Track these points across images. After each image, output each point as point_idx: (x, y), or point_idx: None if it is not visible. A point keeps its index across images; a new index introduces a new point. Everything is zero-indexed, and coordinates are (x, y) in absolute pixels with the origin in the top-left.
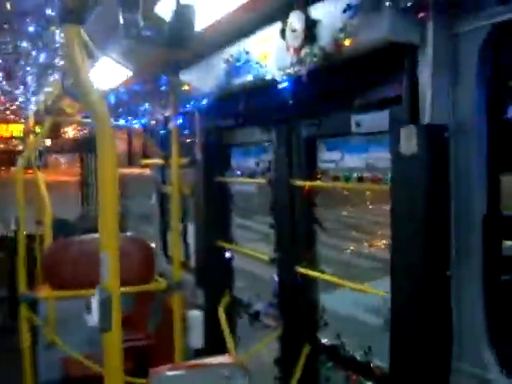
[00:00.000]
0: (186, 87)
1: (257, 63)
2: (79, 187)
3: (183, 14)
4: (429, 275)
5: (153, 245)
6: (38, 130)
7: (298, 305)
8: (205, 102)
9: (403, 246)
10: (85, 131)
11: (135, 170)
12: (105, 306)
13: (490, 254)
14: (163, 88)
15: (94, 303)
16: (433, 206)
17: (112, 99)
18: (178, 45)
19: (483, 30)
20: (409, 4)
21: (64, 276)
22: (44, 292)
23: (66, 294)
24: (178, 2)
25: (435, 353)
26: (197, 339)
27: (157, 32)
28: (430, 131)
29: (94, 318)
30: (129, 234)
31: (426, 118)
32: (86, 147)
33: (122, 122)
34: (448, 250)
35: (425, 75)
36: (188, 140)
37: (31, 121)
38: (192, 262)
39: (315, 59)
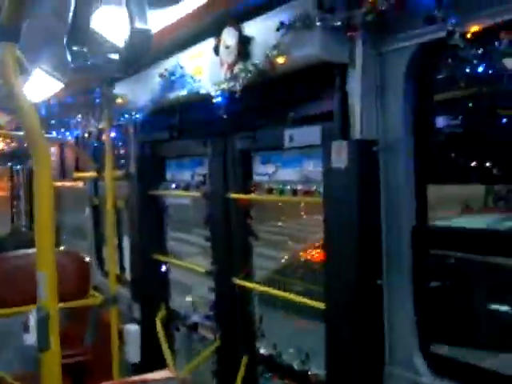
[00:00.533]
0: (119, 100)
1: (191, 77)
2: (9, 201)
3: (139, 39)
4: (361, 284)
5: (87, 258)
6: None
7: (235, 316)
8: (139, 115)
9: (336, 257)
10: (14, 144)
11: (68, 183)
12: (43, 324)
13: (419, 263)
14: (97, 100)
15: (32, 322)
16: (364, 217)
17: (43, 111)
18: (130, 69)
19: (409, 49)
20: (338, 23)
21: None
22: None
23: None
24: (132, 27)
25: (368, 358)
26: (134, 353)
27: (107, 60)
28: (359, 146)
29: (31, 337)
30: (63, 248)
31: (355, 133)
32: (15, 160)
33: (53, 134)
34: (379, 260)
35: (354, 92)
36: (122, 153)
37: None
38: (127, 276)
39: (249, 75)
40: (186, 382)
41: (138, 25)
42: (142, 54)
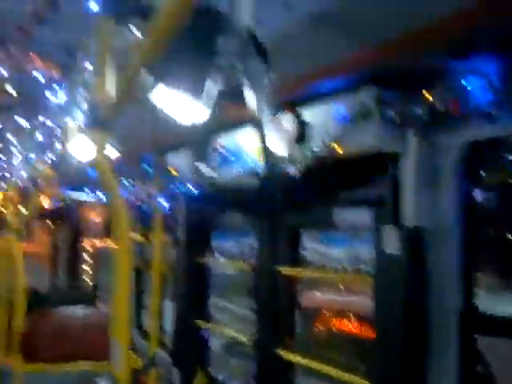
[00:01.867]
0: (172, 170)
1: (248, 156)
2: (48, 258)
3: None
4: (407, 365)
5: None
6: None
7: None
8: (191, 186)
9: (384, 337)
10: (60, 202)
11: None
12: None
13: (467, 348)
14: (149, 169)
15: None
16: (411, 301)
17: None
18: None
19: (462, 143)
20: (395, 116)
21: (39, 349)
22: (16, 363)
23: (38, 367)
24: None
25: None
26: None
27: None
28: (410, 232)
29: None
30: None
31: (406, 219)
32: (59, 217)
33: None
34: (425, 343)
35: (407, 180)
36: (170, 219)
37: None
38: (167, 339)
39: (306, 161)
40: None
41: None
42: None
